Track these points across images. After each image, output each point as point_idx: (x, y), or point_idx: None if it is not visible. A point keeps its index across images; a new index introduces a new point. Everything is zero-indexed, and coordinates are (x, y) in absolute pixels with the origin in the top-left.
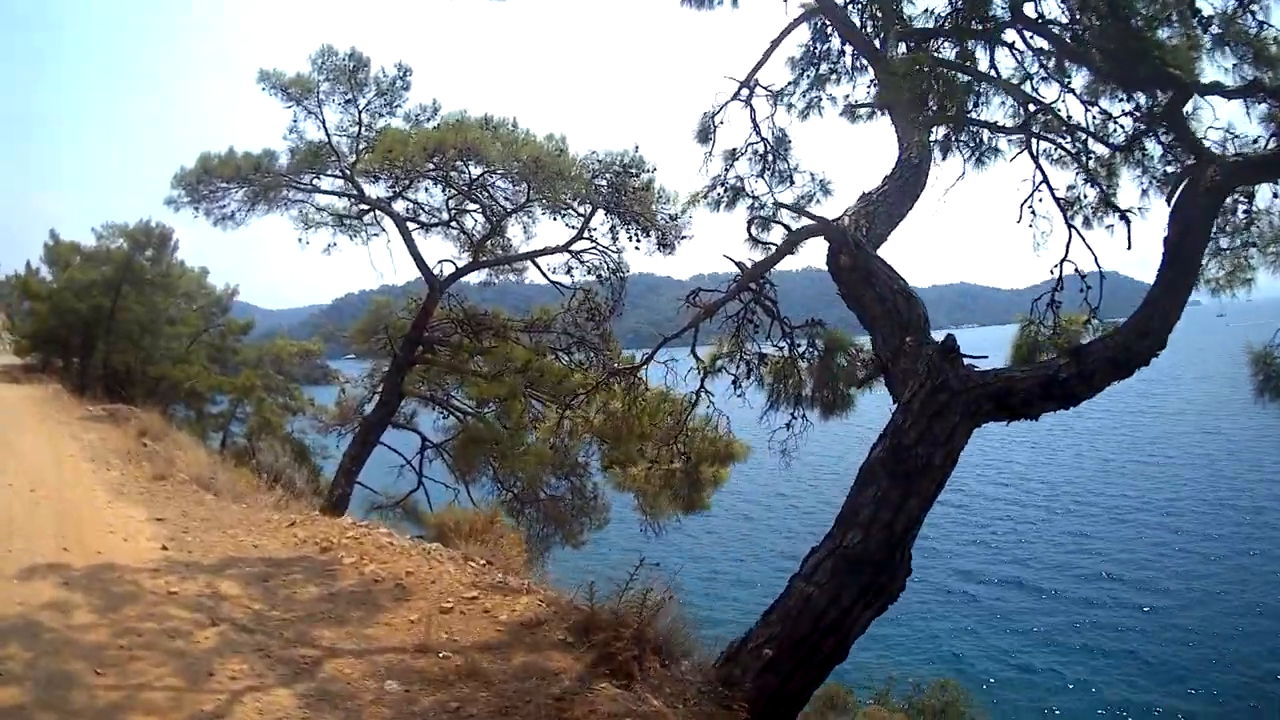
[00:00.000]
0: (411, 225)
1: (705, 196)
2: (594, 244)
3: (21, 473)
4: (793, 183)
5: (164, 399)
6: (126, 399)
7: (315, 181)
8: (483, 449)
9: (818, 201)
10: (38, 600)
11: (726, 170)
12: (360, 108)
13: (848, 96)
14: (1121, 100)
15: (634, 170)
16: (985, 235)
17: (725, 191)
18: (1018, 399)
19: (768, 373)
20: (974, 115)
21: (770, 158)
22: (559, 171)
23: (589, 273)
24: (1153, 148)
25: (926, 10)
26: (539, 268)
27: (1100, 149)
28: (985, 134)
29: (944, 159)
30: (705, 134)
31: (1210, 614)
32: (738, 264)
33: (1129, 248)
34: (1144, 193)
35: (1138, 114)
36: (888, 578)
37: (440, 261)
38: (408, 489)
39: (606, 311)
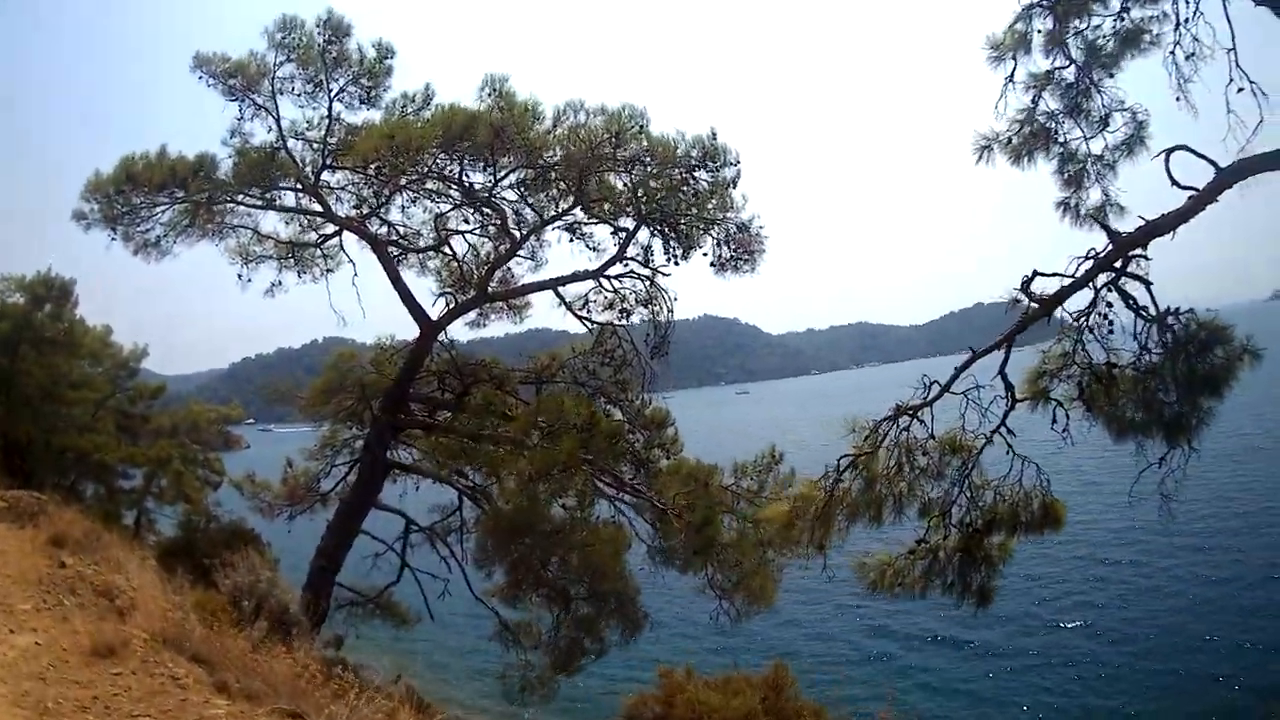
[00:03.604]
0: (392, 251)
1: (1008, 142)
2: (629, 264)
3: None
4: (1106, 125)
5: (70, 474)
6: (27, 476)
7: (269, 198)
8: (528, 535)
9: (1132, 153)
10: None
11: (1035, 103)
12: (332, 95)
13: (1097, 27)
14: None
15: (713, 164)
16: (885, 271)
17: (1029, 135)
18: None
19: (1116, 390)
20: None
21: (1080, 88)
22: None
23: (608, 306)
24: None
25: None
26: (563, 299)
27: None
28: None
29: None
30: (1016, 45)
31: None
32: (1105, 228)
33: None
34: None
35: None
36: None
37: (440, 294)
38: (385, 581)
39: (648, 353)
